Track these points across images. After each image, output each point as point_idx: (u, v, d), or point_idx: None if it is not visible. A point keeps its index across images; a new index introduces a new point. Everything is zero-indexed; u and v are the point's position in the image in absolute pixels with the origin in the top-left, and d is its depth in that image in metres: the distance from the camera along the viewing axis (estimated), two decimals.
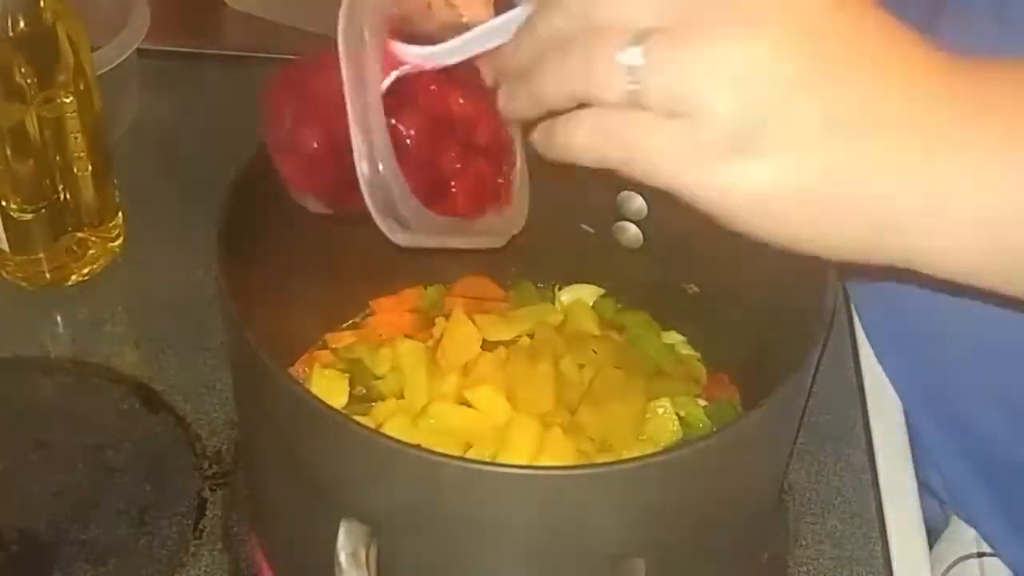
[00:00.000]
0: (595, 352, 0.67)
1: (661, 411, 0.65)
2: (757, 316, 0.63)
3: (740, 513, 0.56)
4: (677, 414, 0.65)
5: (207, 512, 0.66)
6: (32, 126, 0.71)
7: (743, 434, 0.51)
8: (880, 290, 0.74)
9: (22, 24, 0.68)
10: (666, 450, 0.50)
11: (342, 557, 0.48)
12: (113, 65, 0.81)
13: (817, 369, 0.54)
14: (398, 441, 0.48)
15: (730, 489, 0.53)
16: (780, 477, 0.62)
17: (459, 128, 0.53)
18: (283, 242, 0.62)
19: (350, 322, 0.71)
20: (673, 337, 0.71)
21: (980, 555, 0.68)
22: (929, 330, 0.70)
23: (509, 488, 0.48)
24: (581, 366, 0.67)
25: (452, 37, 0.50)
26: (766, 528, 0.64)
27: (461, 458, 0.47)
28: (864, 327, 0.76)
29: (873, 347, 0.75)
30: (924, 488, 0.70)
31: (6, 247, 0.76)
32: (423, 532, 0.50)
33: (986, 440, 0.68)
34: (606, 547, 0.49)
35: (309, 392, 0.50)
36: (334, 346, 0.69)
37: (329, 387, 0.65)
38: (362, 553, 0.48)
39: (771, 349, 0.60)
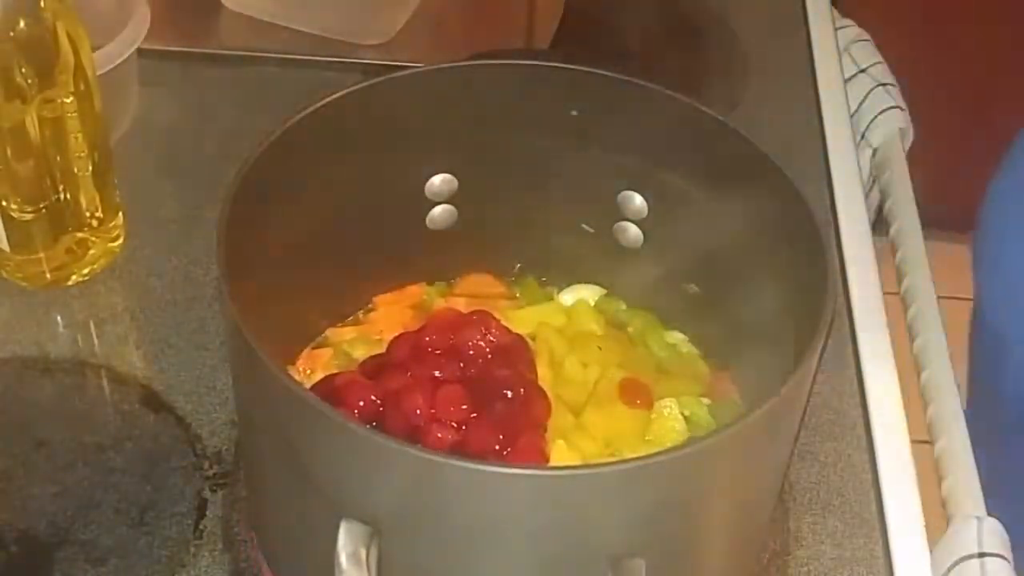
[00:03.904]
0: (600, 349, 0.67)
1: (666, 411, 0.65)
2: (757, 316, 0.63)
3: (741, 513, 0.56)
4: (682, 414, 0.65)
5: (207, 512, 0.66)
6: (32, 126, 0.71)
7: (744, 434, 0.51)
8: None
9: (22, 24, 0.68)
10: (666, 450, 0.50)
11: (342, 557, 0.48)
12: (113, 65, 0.81)
13: (817, 369, 0.54)
14: (398, 441, 0.48)
15: (731, 489, 0.53)
16: (781, 477, 0.61)
17: None
18: (283, 240, 0.62)
19: (351, 318, 0.71)
20: (674, 337, 0.71)
21: (981, 555, 0.68)
22: None
23: (509, 488, 0.48)
24: (585, 365, 0.67)
25: None
26: (766, 528, 0.64)
27: (461, 458, 0.47)
28: None
29: None
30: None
31: (6, 247, 0.76)
32: (423, 532, 0.50)
33: None
34: (606, 547, 0.49)
35: (309, 392, 0.50)
36: (335, 341, 0.69)
37: None
38: (362, 553, 0.48)
39: (772, 349, 0.60)
